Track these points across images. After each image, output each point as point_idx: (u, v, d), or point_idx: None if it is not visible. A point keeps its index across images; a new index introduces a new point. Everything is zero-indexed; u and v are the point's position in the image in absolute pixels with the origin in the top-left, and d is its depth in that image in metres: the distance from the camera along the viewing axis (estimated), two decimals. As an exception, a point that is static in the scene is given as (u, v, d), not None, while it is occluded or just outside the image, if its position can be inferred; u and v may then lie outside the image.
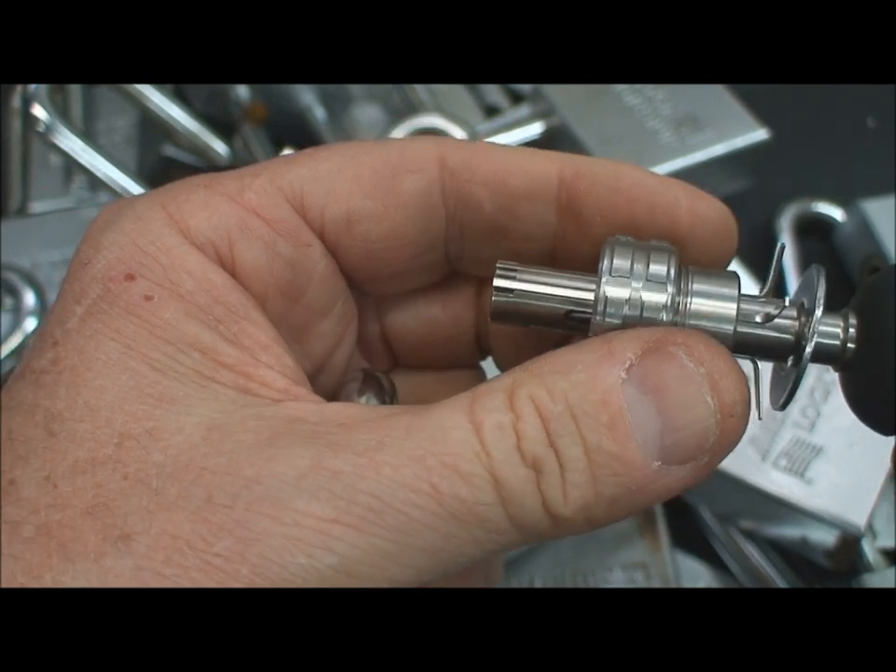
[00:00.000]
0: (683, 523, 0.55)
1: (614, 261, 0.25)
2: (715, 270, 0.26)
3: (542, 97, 0.60)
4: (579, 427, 0.22)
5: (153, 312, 0.23)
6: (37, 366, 0.23)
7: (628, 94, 0.60)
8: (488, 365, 0.34)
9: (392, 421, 0.23)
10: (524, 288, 0.26)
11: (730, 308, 0.25)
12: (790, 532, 0.52)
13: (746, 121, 0.60)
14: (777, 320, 0.26)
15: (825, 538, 0.51)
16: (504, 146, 0.28)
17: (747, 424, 0.24)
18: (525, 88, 0.66)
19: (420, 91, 0.65)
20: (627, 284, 0.25)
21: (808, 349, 0.25)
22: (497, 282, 0.26)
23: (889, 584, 0.50)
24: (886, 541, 0.52)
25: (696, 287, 0.25)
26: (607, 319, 0.25)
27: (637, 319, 0.24)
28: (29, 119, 0.57)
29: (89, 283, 0.24)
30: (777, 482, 0.50)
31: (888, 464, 0.51)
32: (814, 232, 0.67)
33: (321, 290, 0.28)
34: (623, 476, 0.23)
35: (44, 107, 0.56)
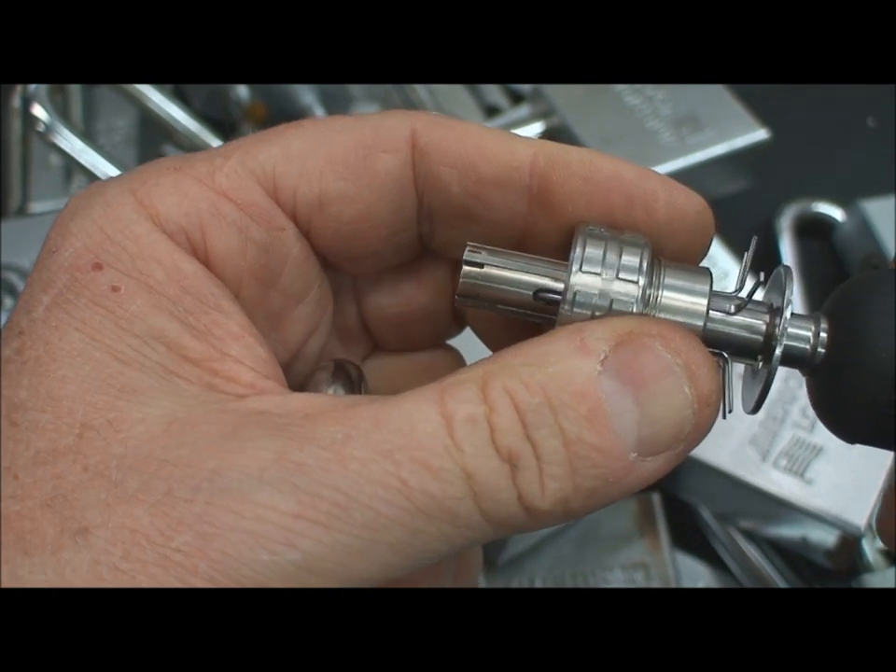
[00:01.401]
0: (683, 523, 0.55)
1: (586, 250, 0.25)
2: (687, 265, 0.26)
3: (542, 97, 0.60)
4: (557, 418, 0.22)
5: (119, 303, 0.23)
6: (2, 356, 0.23)
7: (628, 94, 0.60)
8: (471, 345, 0.33)
9: (359, 412, 0.22)
10: (492, 272, 0.25)
11: (700, 303, 0.25)
12: (790, 532, 0.52)
13: (746, 121, 0.60)
14: (747, 319, 0.25)
15: (825, 538, 0.51)
16: (480, 127, 0.27)
17: (718, 413, 0.24)
18: (525, 88, 0.66)
19: (420, 90, 0.65)
20: (598, 274, 0.24)
21: (778, 351, 0.25)
22: (466, 264, 0.25)
23: (889, 584, 0.50)
24: (886, 541, 0.52)
25: (668, 280, 0.25)
26: (575, 309, 0.24)
27: (607, 311, 0.24)
28: (29, 119, 0.57)
29: (56, 271, 0.23)
30: (777, 482, 0.50)
31: (888, 464, 0.51)
32: (814, 232, 0.67)
33: (296, 275, 0.27)
34: (602, 468, 0.22)
35: (44, 107, 0.56)
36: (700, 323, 0.25)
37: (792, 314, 0.25)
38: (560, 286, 0.25)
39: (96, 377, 0.22)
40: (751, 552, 0.53)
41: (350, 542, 0.21)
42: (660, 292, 0.25)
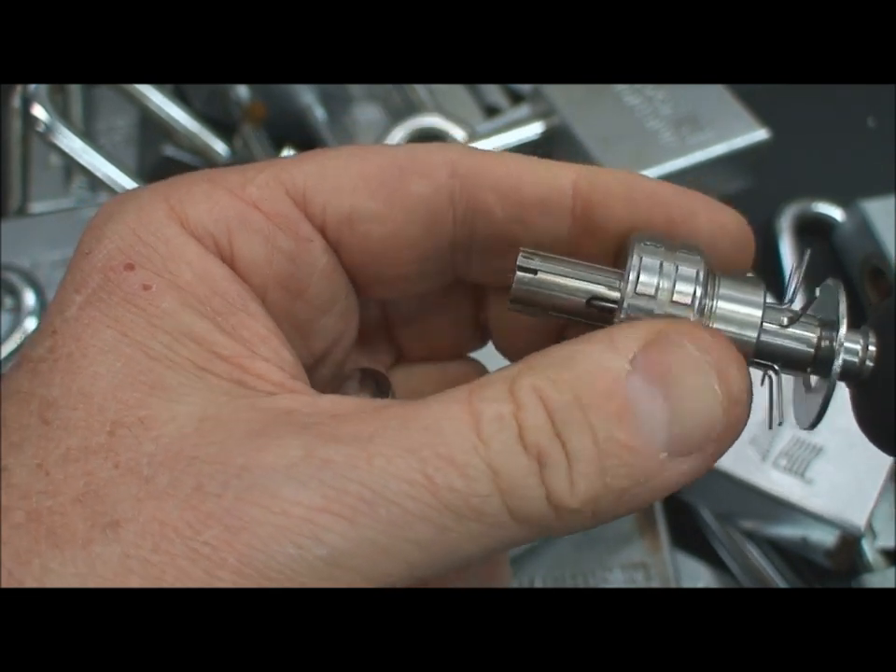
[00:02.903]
0: (683, 523, 0.55)
1: (644, 259, 0.25)
2: (740, 275, 0.26)
3: (542, 97, 0.60)
4: (587, 416, 0.22)
5: (151, 301, 0.23)
6: (35, 355, 0.23)
7: (628, 94, 0.60)
8: (493, 358, 0.33)
9: (386, 413, 0.22)
10: (546, 278, 0.25)
11: (755, 315, 0.25)
12: (790, 532, 0.52)
13: (746, 121, 0.60)
14: (799, 331, 0.26)
15: (825, 538, 0.51)
16: (517, 154, 0.27)
17: (749, 414, 0.24)
18: (525, 88, 0.66)
19: (420, 90, 0.65)
20: (655, 283, 0.25)
21: (837, 366, 0.25)
22: (519, 269, 0.26)
23: (889, 584, 0.50)
24: (886, 541, 0.52)
25: (723, 291, 0.25)
26: (631, 315, 0.24)
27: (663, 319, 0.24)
28: (29, 119, 0.57)
29: (89, 272, 0.24)
30: (777, 482, 0.50)
31: (888, 464, 0.51)
32: (814, 232, 0.67)
33: (323, 286, 0.28)
34: (632, 467, 0.22)
35: (44, 107, 0.56)
36: (754, 334, 0.25)
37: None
38: (615, 294, 0.25)
39: (127, 374, 0.22)
40: (751, 552, 0.53)
41: (376, 538, 0.21)
42: (714, 302, 0.25)
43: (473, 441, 0.22)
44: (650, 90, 0.60)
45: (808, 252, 0.27)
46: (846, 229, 0.66)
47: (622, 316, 0.25)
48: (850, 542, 0.50)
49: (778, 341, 0.26)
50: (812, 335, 0.26)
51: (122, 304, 0.23)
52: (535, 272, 0.25)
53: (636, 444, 0.22)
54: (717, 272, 0.26)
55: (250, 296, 0.25)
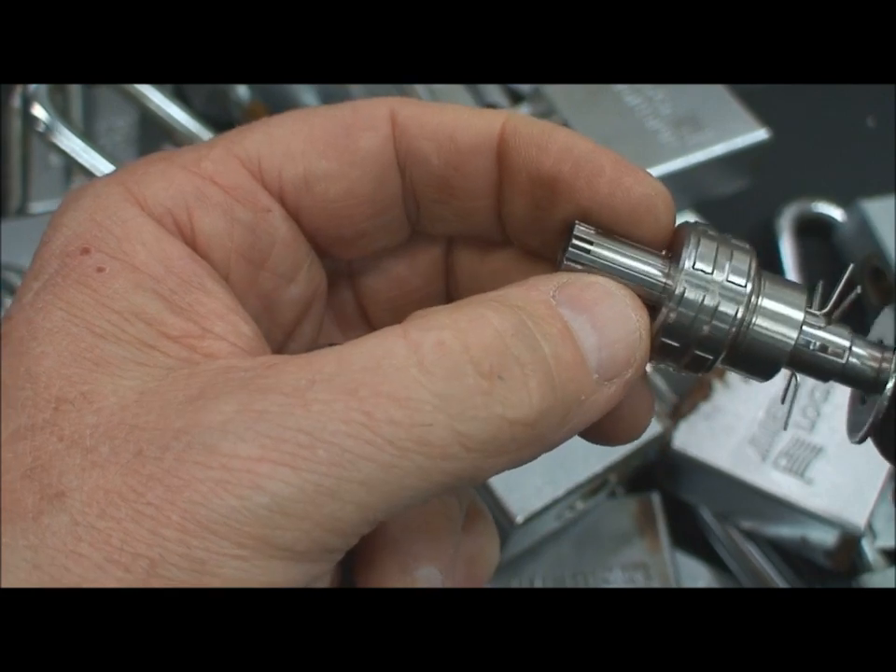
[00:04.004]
0: (683, 523, 0.55)
1: (699, 249, 0.25)
2: (783, 278, 0.27)
3: (542, 97, 0.60)
4: (536, 333, 0.23)
5: (103, 282, 0.23)
6: None
7: (628, 94, 0.60)
8: None
9: (323, 358, 0.22)
10: (601, 252, 0.26)
11: (797, 315, 0.26)
12: (790, 532, 0.52)
13: (746, 121, 0.60)
14: (832, 336, 0.26)
15: (825, 538, 0.51)
16: (452, 105, 0.28)
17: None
18: (525, 88, 0.66)
19: (420, 90, 0.65)
20: (709, 273, 0.25)
21: (891, 384, 0.26)
22: (576, 238, 0.26)
23: (889, 584, 0.50)
24: (886, 541, 0.53)
25: (768, 289, 0.26)
26: (681, 308, 0.25)
27: (712, 311, 0.25)
28: (29, 119, 0.57)
29: (47, 259, 0.24)
30: (777, 482, 0.50)
31: (888, 464, 0.51)
32: (814, 232, 0.67)
33: (285, 255, 0.28)
34: (578, 383, 0.23)
35: (44, 107, 0.56)
36: (794, 335, 0.26)
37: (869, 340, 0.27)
38: (668, 280, 0.25)
39: (72, 351, 0.23)
40: (751, 552, 0.53)
41: (319, 481, 0.21)
42: (760, 300, 0.26)
43: (414, 372, 0.22)
44: (650, 90, 0.60)
45: (851, 266, 0.27)
46: (846, 229, 0.66)
47: (671, 304, 0.25)
48: (850, 542, 0.50)
49: (811, 349, 0.26)
50: (845, 342, 0.26)
51: (75, 286, 0.23)
52: (590, 243, 0.26)
53: (577, 363, 0.23)
54: (763, 271, 0.26)
55: (207, 273, 0.25)
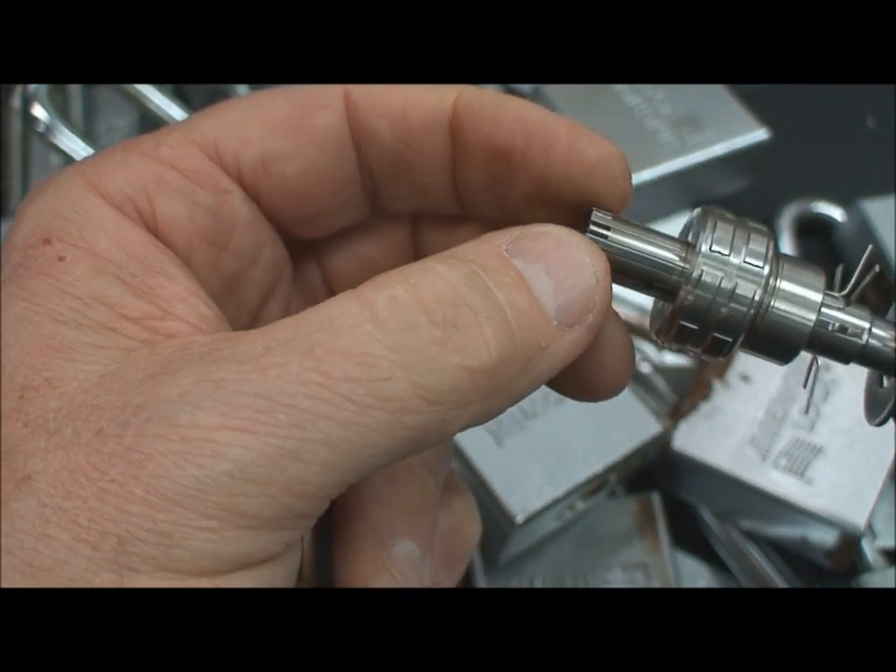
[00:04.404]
0: (683, 523, 0.55)
1: (716, 233, 0.25)
2: (801, 259, 0.27)
3: (542, 97, 0.60)
4: (489, 282, 0.23)
5: (65, 270, 0.24)
6: None
7: (628, 94, 0.60)
8: None
9: (279, 325, 0.22)
10: (619, 238, 0.26)
11: (815, 298, 0.26)
12: (790, 532, 0.52)
13: (746, 121, 0.60)
14: (848, 319, 0.26)
15: (825, 538, 0.51)
16: (405, 85, 0.28)
17: (612, 294, 0.25)
18: (525, 88, 0.66)
19: (420, 90, 0.65)
20: (727, 255, 0.25)
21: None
22: (593, 224, 0.26)
23: (889, 584, 0.50)
24: (886, 541, 0.53)
25: (786, 272, 0.26)
26: (697, 290, 0.25)
27: (730, 294, 0.25)
28: (29, 119, 0.57)
29: (10, 252, 0.25)
30: (777, 482, 0.50)
31: (888, 464, 0.51)
32: (814, 232, 0.67)
33: (247, 236, 0.28)
34: (536, 330, 0.23)
35: (44, 107, 0.56)
36: (812, 317, 0.26)
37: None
38: (685, 264, 0.25)
39: (34, 339, 0.23)
40: (751, 552, 0.53)
41: (280, 444, 0.21)
42: (778, 282, 0.26)
43: (368, 328, 0.22)
44: (650, 90, 0.61)
45: (870, 247, 0.27)
46: (846, 229, 0.66)
47: (688, 287, 0.25)
48: (850, 542, 0.50)
49: (830, 330, 0.26)
50: (865, 323, 0.26)
51: (37, 276, 0.24)
52: (607, 229, 0.26)
53: (534, 309, 0.23)
54: (781, 253, 0.26)
55: (169, 258, 0.25)
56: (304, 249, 0.31)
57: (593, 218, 0.26)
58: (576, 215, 0.27)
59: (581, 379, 0.27)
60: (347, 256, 0.31)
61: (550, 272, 0.24)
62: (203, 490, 0.20)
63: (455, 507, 0.31)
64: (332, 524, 0.29)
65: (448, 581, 0.31)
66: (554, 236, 0.25)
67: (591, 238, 0.25)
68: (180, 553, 0.20)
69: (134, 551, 0.20)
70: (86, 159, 0.27)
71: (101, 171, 0.26)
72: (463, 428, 0.23)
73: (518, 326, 0.23)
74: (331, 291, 0.32)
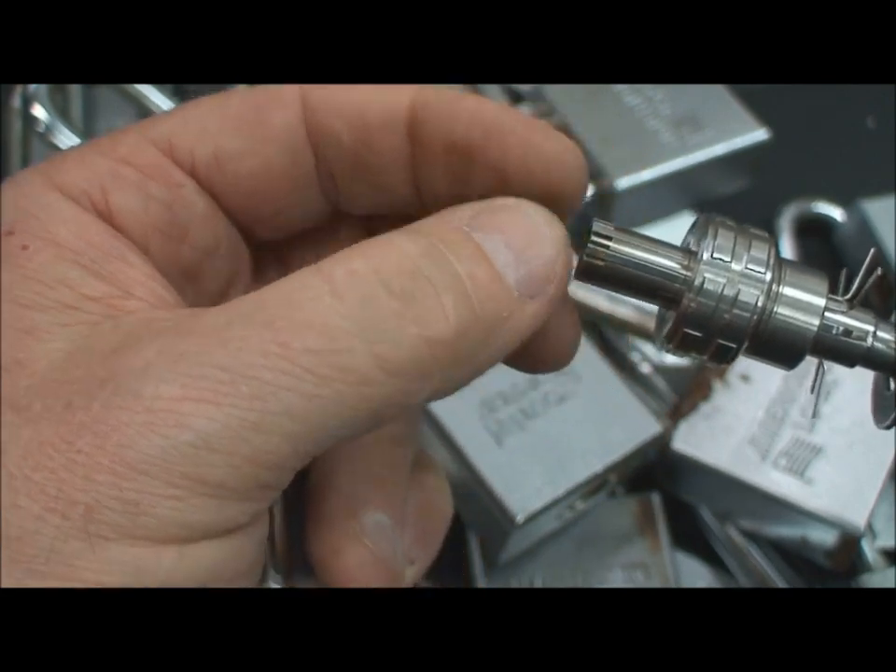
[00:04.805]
0: (683, 523, 0.55)
1: (717, 240, 0.26)
2: (804, 265, 0.27)
3: (542, 97, 0.60)
4: (449, 254, 0.23)
5: (28, 258, 0.24)
6: None
7: (628, 94, 0.60)
8: None
9: (240, 300, 0.23)
10: (620, 248, 0.26)
11: (818, 302, 0.26)
12: (790, 532, 0.52)
13: (746, 121, 0.60)
14: (852, 323, 0.26)
15: (825, 538, 0.51)
16: (361, 85, 0.29)
17: (572, 261, 0.26)
18: (525, 88, 0.66)
19: (420, 90, 0.65)
20: (728, 262, 0.25)
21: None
22: (595, 234, 0.26)
23: (889, 584, 0.50)
24: (886, 541, 0.52)
25: (788, 277, 0.26)
26: (700, 298, 0.25)
27: (732, 301, 0.25)
28: (29, 119, 0.57)
29: None
30: (777, 482, 0.50)
31: (888, 464, 0.51)
32: (814, 232, 0.67)
33: (204, 229, 0.29)
34: (497, 300, 0.24)
35: (44, 107, 0.56)
36: (816, 322, 0.26)
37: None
38: (687, 272, 0.25)
39: (4, 324, 0.23)
40: (751, 552, 0.53)
41: (243, 416, 0.21)
42: (780, 288, 0.26)
43: (328, 300, 0.22)
44: (650, 90, 0.60)
45: (873, 250, 0.27)
46: (846, 229, 0.66)
47: (690, 294, 0.25)
48: (850, 542, 0.50)
49: (835, 334, 0.26)
50: (869, 327, 0.26)
51: (2, 265, 0.24)
52: (609, 239, 0.26)
53: (495, 279, 0.24)
54: (783, 259, 0.26)
55: (127, 246, 0.26)
56: (265, 252, 0.32)
57: (594, 229, 0.26)
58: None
59: (529, 351, 0.27)
60: (307, 258, 0.32)
61: (509, 243, 0.24)
62: (168, 460, 0.21)
63: (426, 483, 0.32)
64: (304, 496, 0.29)
65: (423, 558, 0.31)
66: (513, 208, 0.25)
67: (592, 248, 0.26)
68: (147, 521, 0.21)
69: (103, 519, 0.20)
70: (46, 160, 0.27)
71: (59, 168, 0.26)
72: (427, 401, 0.24)
73: (478, 297, 0.23)
74: None
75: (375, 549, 0.29)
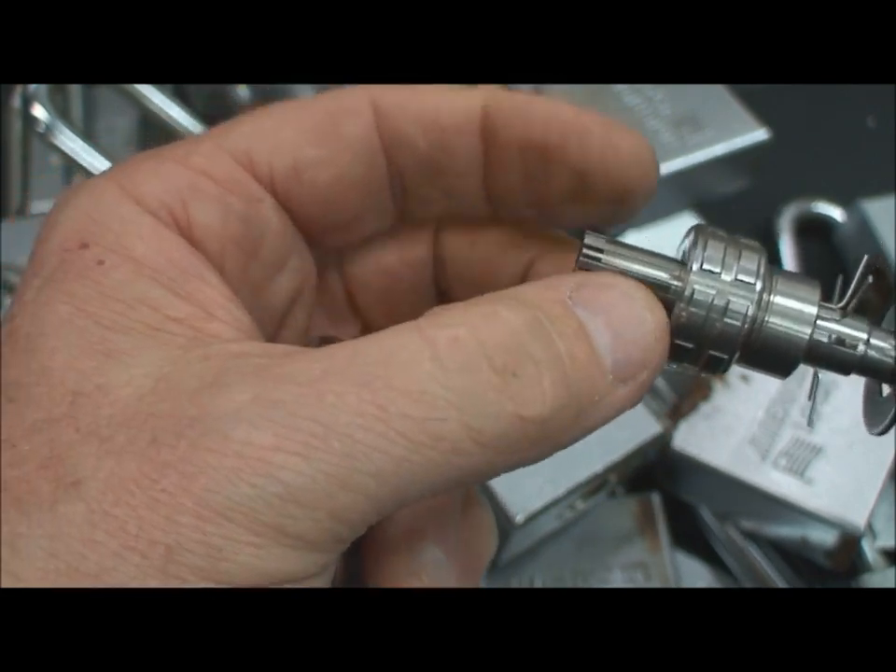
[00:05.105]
0: (683, 523, 0.55)
1: (707, 251, 0.25)
2: (797, 273, 0.27)
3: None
4: (551, 332, 0.23)
5: (105, 274, 0.24)
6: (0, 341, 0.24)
7: (628, 94, 0.60)
8: None
9: (337, 350, 0.22)
10: (611, 260, 0.26)
11: (810, 311, 0.26)
12: (790, 532, 0.52)
13: (746, 121, 0.60)
14: (844, 331, 0.26)
15: (825, 538, 0.51)
16: (431, 86, 0.29)
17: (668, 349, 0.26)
18: (525, 88, 0.66)
19: (420, 91, 0.65)
20: (718, 273, 0.25)
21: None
22: (586, 247, 0.26)
23: (889, 584, 0.50)
24: (886, 541, 0.53)
25: (780, 286, 0.26)
26: (691, 308, 0.25)
27: (723, 310, 0.25)
28: (29, 119, 0.57)
29: (46, 256, 0.25)
30: (777, 482, 0.50)
31: (888, 464, 0.51)
32: (814, 232, 0.67)
33: (275, 244, 0.28)
34: (592, 382, 0.23)
35: (44, 107, 0.56)
36: (808, 331, 0.26)
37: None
38: (678, 283, 0.26)
39: (82, 344, 0.23)
40: (751, 552, 0.53)
41: (331, 472, 0.21)
42: (772, 297, 0.26)
43: (428, 366, 0.22)
44: (650, 90, 0.60)
45: (866, 257, 0.27)
46: (846, 229, 0.66)
47: (681, 304, 0.25)
48: (850, 542, 0.50)
49: (828, 341, 0.26)
50: (862, 334, 0.26)
51: (77, 280, 0.24)
52: (600, 251, 0.26)
53: (591, 362, 0.23)
54: (774, 267, 0.26)
55: (205, 265, 0.25)
56: (328, 259, 0.31)
57: (585, 241, 0.26)
58: (609, 210, 0.27)
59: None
60: (369, 265, 0.32)
61: (611, 325, 0.24)
62: (254, 508, 0.20)
63: (474, 519, 0.31)
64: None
65: None
66: (620, 290, 0.25)
67: (584, 261, 0.26)
68: (228, 567, 0.20)
69: (183, 561, 0.20)
70: (115, 167, 0.27)
71: (134, 178, 0.26)
72: (506, 471, 0.23)
73: (575, 378, 0.23)
74: (353, 301, 0.33)
75: (431, 585, 0.28)
